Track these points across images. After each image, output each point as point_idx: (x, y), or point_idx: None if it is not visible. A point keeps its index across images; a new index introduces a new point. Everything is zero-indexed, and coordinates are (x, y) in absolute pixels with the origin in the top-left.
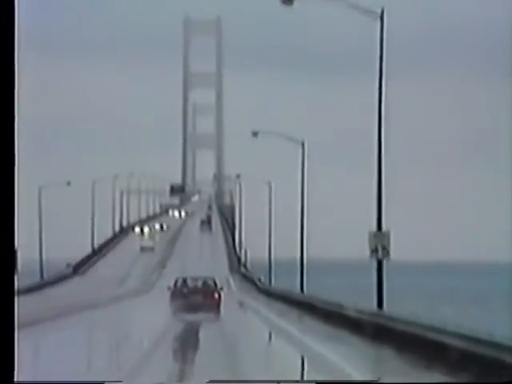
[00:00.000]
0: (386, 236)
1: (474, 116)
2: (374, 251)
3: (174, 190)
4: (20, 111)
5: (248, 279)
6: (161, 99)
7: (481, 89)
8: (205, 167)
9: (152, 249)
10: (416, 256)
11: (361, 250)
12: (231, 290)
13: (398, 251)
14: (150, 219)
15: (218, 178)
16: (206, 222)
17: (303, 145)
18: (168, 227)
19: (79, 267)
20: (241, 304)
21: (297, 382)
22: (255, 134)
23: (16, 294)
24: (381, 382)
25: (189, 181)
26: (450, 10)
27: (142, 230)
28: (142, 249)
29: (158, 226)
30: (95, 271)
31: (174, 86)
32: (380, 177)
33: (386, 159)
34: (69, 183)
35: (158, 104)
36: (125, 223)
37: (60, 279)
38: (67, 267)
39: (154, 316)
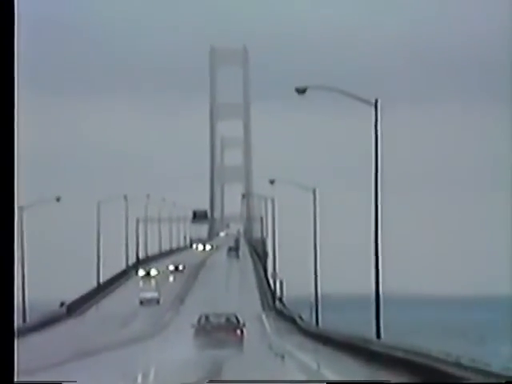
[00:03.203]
0: None
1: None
2: None
3: (197, 217)
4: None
5: (286, 317)
6: (188, 132)
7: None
8: (233, 201)
9: (156, 301)
10: None
11: None
12: (265, 332)
13: None
14: (168, 254)
15: (247, 210)
16: (234, 249)
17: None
18: (184, 267)
19: (75, 307)
20: (279, 355)
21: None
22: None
23: None
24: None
25: (217, 216)
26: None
27: (148, 274)
28: (142, 302)
29: (172, 267)
30: (96, 311)
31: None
32: None
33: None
34: (58, 199)
35: (185, 137)
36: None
37: (51, 321)
38: (61, 307)
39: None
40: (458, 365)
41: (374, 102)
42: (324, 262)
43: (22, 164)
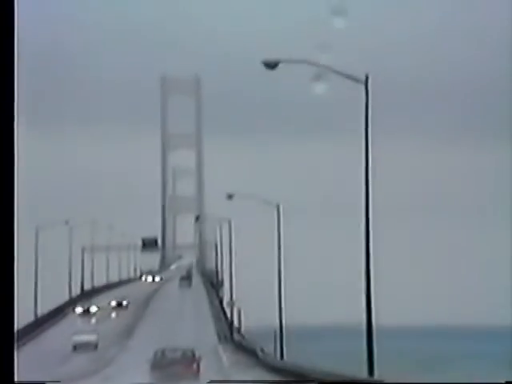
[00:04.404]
0: None
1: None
2: None
3: (146, 245)
4: None
5: (245, 350)
6: (139, 162)
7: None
8: (185, 233)
9: (93, 346)
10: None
11: None
12: (223, 367)
13: None
14: (116, 286)
15: (200, 240)
16: (186, 278)
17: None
18: (129, 302)
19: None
20: None
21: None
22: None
23: None
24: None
25: (169, 246)
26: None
27: (87, 311)
28: (76, 347)
29: (114, 303)
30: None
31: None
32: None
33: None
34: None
35: (136, 167)
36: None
37: None
38: None
39: None
40: None
41: (364, 78)
42: (290, 289)
43: None
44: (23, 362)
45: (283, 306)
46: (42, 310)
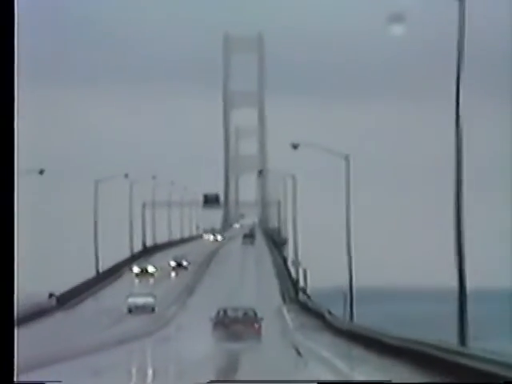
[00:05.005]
0: None
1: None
2: None
3: (208, 201)
4: None
5: (311, 311)
6: (200, 120)
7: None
8: (248, 192)
9: (149, 309)
10: None
11: None
12: (287, 331)
13: None
14: (178, 243)
15: (263, 197)
16: (249, 236)
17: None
18: (189, 263)
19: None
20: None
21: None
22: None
23: None
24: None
25: (231, 203)
26: None
27: (144, 271)
28: (131, 310)
29: (173, 263)
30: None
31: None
32: None
33: None
34: (41, 172)
35: (198, 126)
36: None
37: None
38: (49, 298)
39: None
40: None
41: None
42: (359, 248)
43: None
44: (75, 320)
45: (353, 266)
46: (104, 266)
